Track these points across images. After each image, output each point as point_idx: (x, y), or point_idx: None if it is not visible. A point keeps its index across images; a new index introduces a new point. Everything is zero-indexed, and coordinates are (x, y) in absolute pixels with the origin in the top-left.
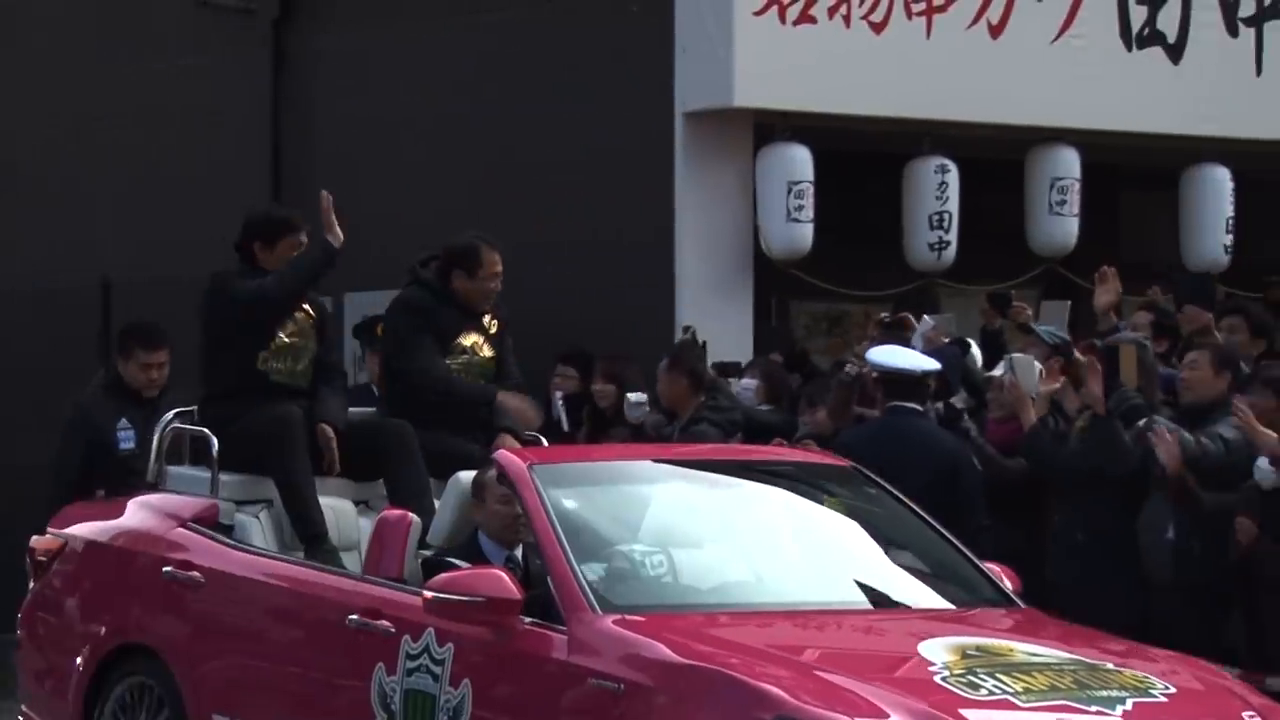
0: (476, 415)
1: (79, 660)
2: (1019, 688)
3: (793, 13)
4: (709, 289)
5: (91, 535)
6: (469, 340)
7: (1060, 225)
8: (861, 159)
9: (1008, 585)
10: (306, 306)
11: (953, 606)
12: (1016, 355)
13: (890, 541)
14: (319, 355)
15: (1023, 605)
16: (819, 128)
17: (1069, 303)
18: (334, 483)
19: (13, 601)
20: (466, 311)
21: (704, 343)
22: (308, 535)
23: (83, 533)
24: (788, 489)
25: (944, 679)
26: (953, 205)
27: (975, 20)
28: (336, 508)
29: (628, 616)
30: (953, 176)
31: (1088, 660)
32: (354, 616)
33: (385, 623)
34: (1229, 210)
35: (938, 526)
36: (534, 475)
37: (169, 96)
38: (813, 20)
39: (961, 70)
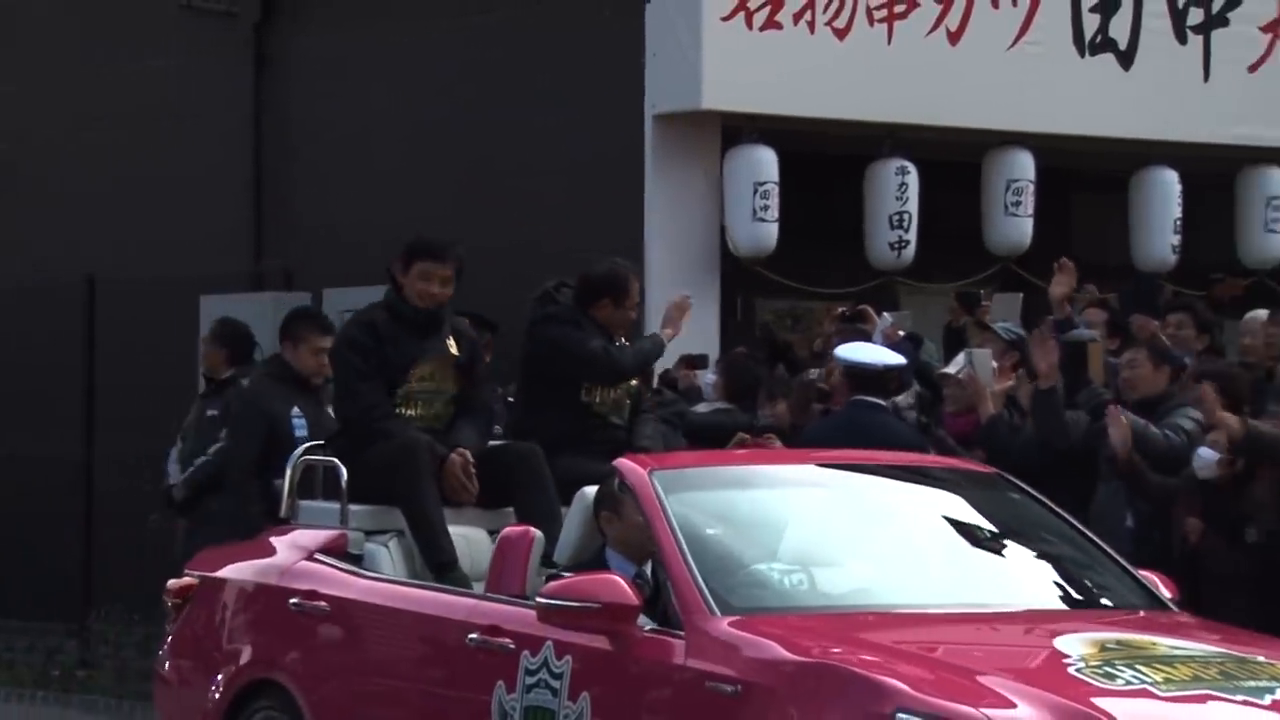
0: (612, 435)
1: (212, 699)
2: (1159, 678)
3: (759, 19)
4: (677, 286)
5: (222, 573)
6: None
7: (1015, 225)
8: (825, 160)
9: (1164, 592)
10: (451, 343)
11: (1099, 609)
12: (974, 349)
13: (1035, 546)
14: (461, 394)
15: (1176, 610)
16: (784, 130)
17: (1021, 295)
18: (466, 511)
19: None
20: (605, 338)
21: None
22: (437, 563)
23: (214, 572)
24: (926, 492)
25: (1078, 670)
26: (912, 206)
27: (934, 27)
28: (468, 536)
29: (746, 618)
30: (912, 178)
31: (1236, 653)
32: (474, 635)
33: (505, 640)
34: (1177, 211)
35: (1087, 532)
36: (654, 480)
37: (152, 98)
38: (779, 26)
39: (921, 75)
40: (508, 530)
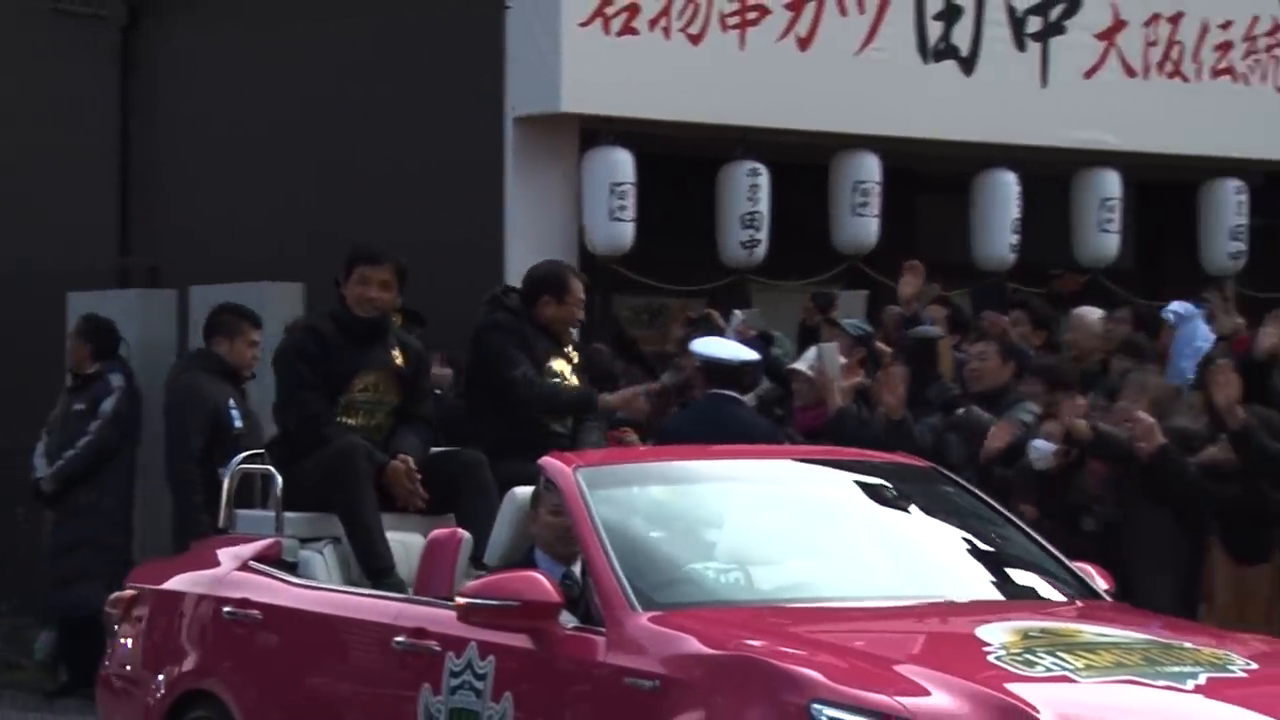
0: (555, 442)
1: (150, 709)
2: (1080, 664)
3: (616, 24)
4: None
5: (160, 584)
6: (558, 366)
7: (862, 225)
8: (680, 162)
9: (1100, 583)
10: (396, 354)
11: (1030, 599)
12: (823, 344)
13: (968, 539)
14: (403, 407)
15: (1110, 600)
16: (640, 132)
17: (866, 293)
18: (406, 518)
19: None
20: (552, 339)
21: None
22: (374, 569)
23: (153, 583)
24: (858, 486)
25: (997, 658)
26: (764, 206)
27: (785, 34)
28: (406, 542)
29: (667, 614)
30: (764, 179)
31: (1163, 640)
32: (400, 638)
33: (431, 642)
34: (1016, 212)
35: (1023, 525)
36: (578, 477)
37: (20, 99)
38: (635, 32)
39: (772, 81)
40: (436, 532)
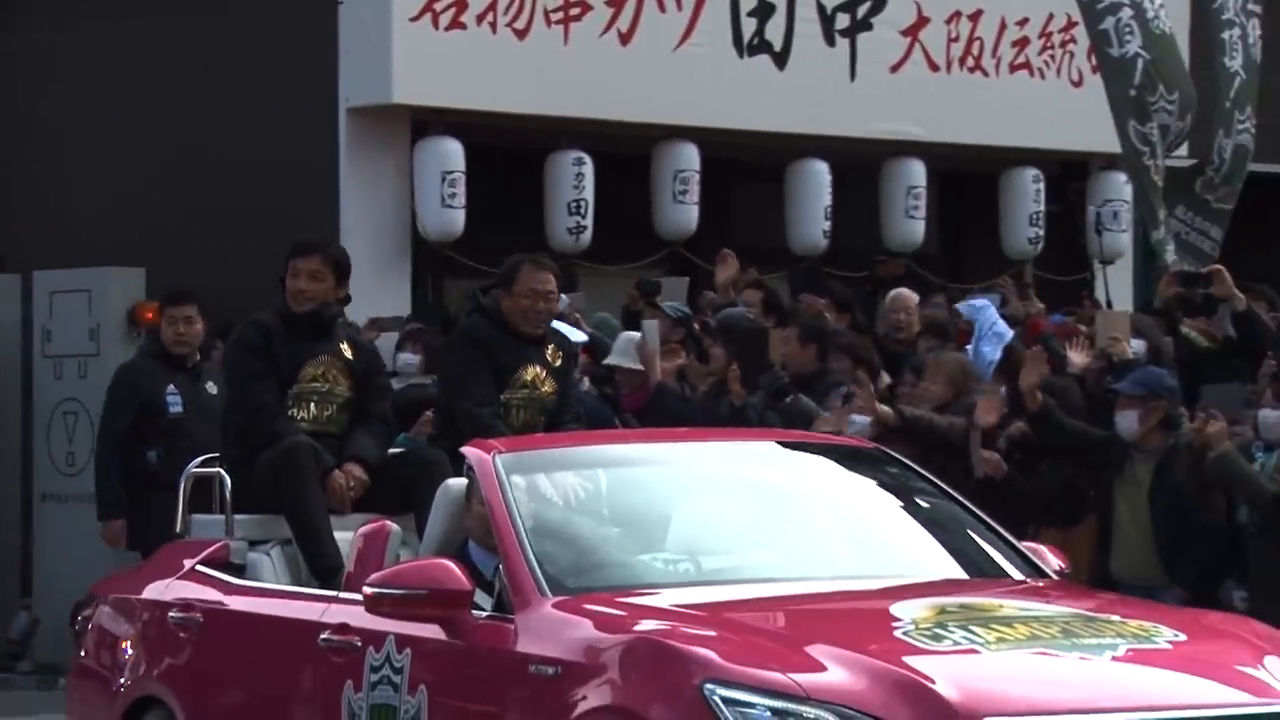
0: None
1: (107, 716)
2: (991, 638)
3: (445, 19)
4: (371, 269)
5: (115, 592)
6: (529, 374)
7: (682, 212)
8: (508, 151)
9: (1053, 562)
10: (345, 347)
11: (965, 578)
12: (646, 320)
13: (911, 519)
14: (358, 401)
15: (1057, 579)
16: (470, 123)
17: (688, 279)
18: (361, 517)
19: None
20: (526, 340)
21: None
22: (320, 569)
23: (110, 590)
24: (795, 466)
25: (904, 633)
26: (588, 194)
27: (607, 29)
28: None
29: (574, 599)
30: (588, 168)
31: (1090, 614)
32: (325, 635)
33: (354, 637)
34: (827, 199)
35: (969, 506)
36: (496, 462)
37: None
38: (463, 26)
39: (595, 73)
40: (365, 526)
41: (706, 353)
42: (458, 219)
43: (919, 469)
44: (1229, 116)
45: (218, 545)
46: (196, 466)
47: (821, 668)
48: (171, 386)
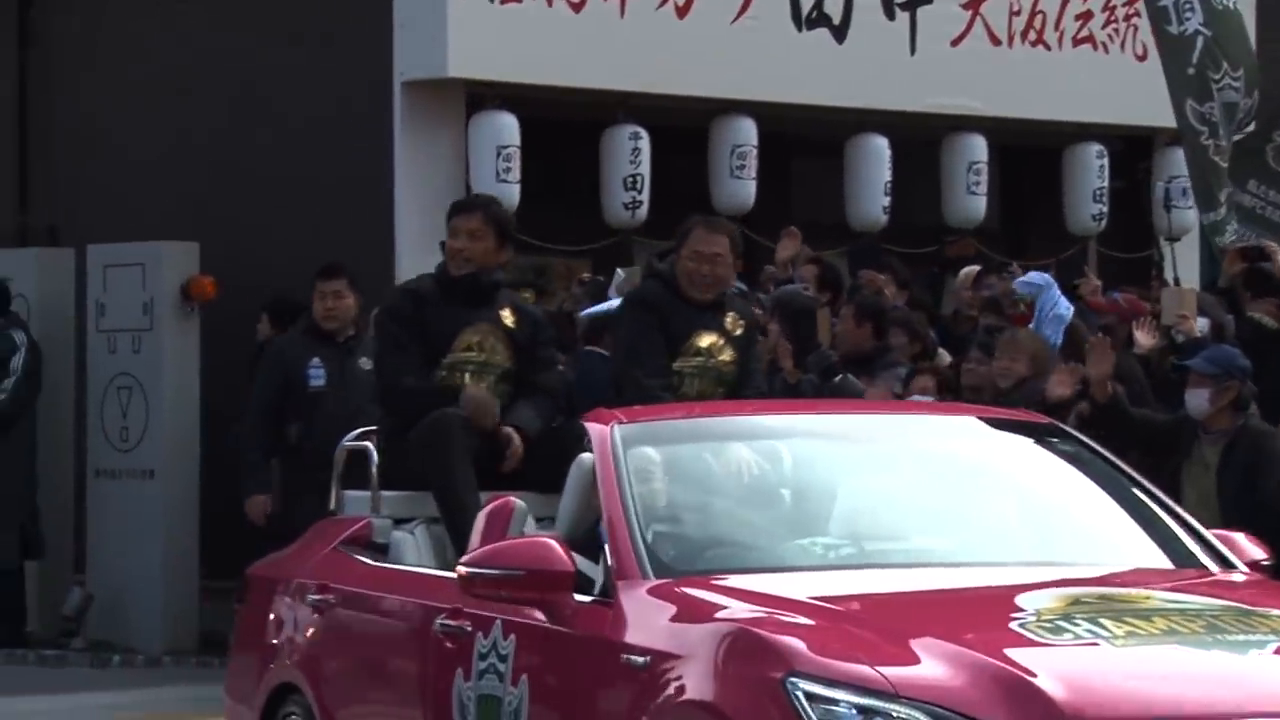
0: None
1: (254, 700)
2: (1120, 632)
3: None
4: (426, 246)
5: (266, 572)
6: (705, 341)
7: (740, 188)
8: (563, 126)
9: (1252, 553)
10: (507, 314)
11: (1137, 567)
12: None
13: (1083, 502)
14: (521, 372)
15: (1246, 572)
16: (525, 97)
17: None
18: (515, 496)
19: None
20: (700, 306)
21: None
22: (466, 550)
23: (263, 572)
24: (951, 442)
25: (1021, 624)
26: (644, 169)
27: (664, 1)
28: None
29: (674, 582)
30: (644, 143)
31: (1249, 607)
32: (441, 620)
33: (465, 622)
34: (887, 175)
35: (1155, 491)
36: (614, 434)
37: None
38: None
39: (652, 47)
40: (489, 502)
41: (764, 329)
42: (513, 194)
43: (1103, 450)
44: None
45: (360, 524)
46: (352, 440)
47: (916, 660)
48: (316, 360)
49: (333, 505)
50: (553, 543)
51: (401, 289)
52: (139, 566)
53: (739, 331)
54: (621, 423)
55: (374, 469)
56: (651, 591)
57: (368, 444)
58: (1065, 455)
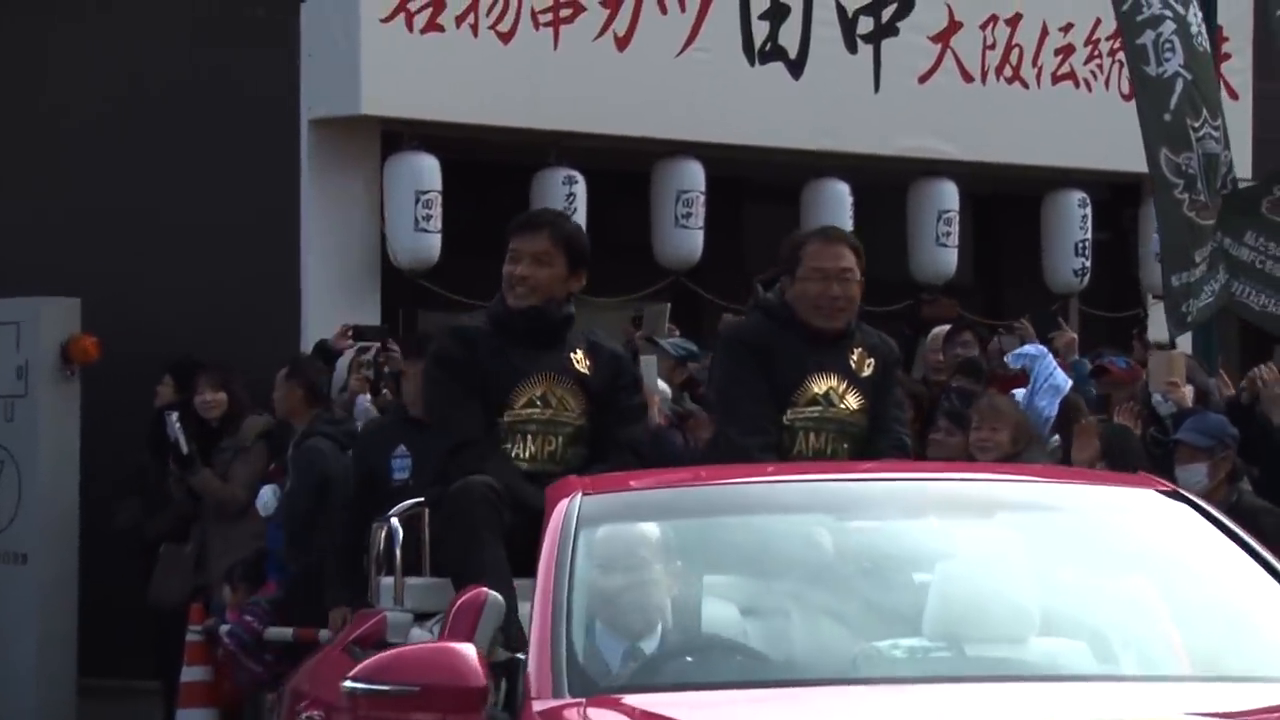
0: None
1: None
2: None
3: (420, 20)
4: (336, 298)
5: (298, 677)
6: (822, 385)
7: (686, 238)
8: (490, 169)
9: None
10: (578, 357)
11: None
12: (643, 357)
13: (1241, 591)
14: (598, 429)
15: None
16: (447, 137)
17: (668, 305)
18: None
19: None
20: (819, 341)
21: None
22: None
23: (291, 679)
24: (994, 520)
25: None
26: (580, 217)
27: (601, 32)
28: None
29: (590, 703)
30: (580, 188)
31: None
32: None
33: None
34: (849, 225)
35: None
36: (572, 507)
37: None
38: (440, 29)
39: (588, 82)
40: (461, 594)
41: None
42: (433, 244)
43: (1227, 521)
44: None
45: (375, 620)
46: (398, 514)
47: None
48: (402, 448)
49: (369, 595)
50: (462, 650)
51: (451, 329)
52: (10, 663)
53: (868, 371)
54: (588, 494)
55: (397, 549)
56: (552, 714)
57: (393, 520)
58: (1200, 529)
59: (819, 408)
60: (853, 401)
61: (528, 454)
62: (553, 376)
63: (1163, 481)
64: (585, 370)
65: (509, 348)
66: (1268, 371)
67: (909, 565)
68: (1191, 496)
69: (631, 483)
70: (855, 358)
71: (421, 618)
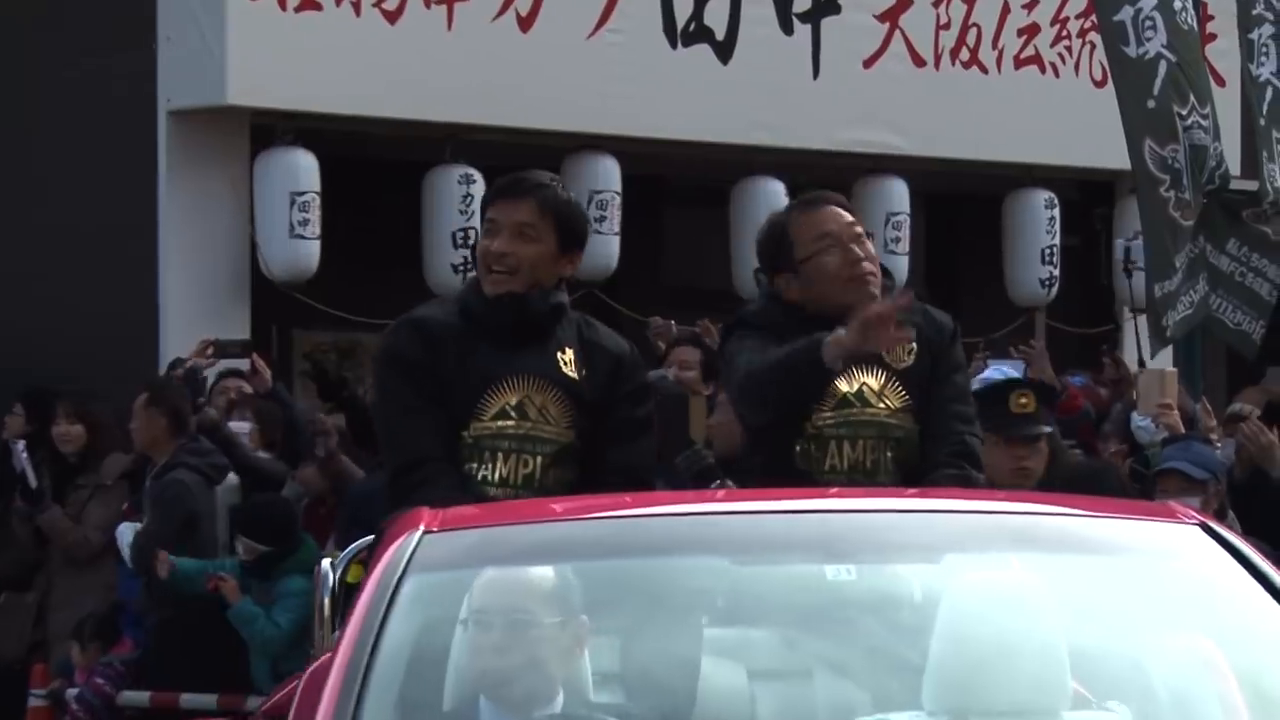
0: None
1: None
2: None
3: None
4: (198, 313)
5: None
6: (853, 382)
7: (600, 244)
8: (376, 167)
9: None
10: (566, 357)
11: None
12: None
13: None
14: (587, 446)
15: None
16: (327, 130)
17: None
18: None
19: None
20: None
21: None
22: None
23: None
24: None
25: None
26: (479, 221)
27: (502, 11)
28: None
29: None
30: (478, 189)
31: None
32: None
33: None
34: None
35: None
36: (407, 547)
37: None
38: (318, 7)
39: (487, 69)
40: (318, 663)
41: None
42: (311, 252)
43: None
44: (1267, 136)
45: (288, 687)
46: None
47: None
48: None
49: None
50: None
51: (407, 320)
52: None
53: (909, 359)
54: (435, 530)
55: (326, 597)
56: None
57: (323, 562)
58: (1239, 569)
59: (851, 409)
60: (894, 399)
61: (497, 476)
62: (532, 381)
63: (1193, 511)
64: (574, 374)
65: (479, 345)
66: (1249, 427)
67: (900, 617)
68: (1219, 529)
69: (491, 518)
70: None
71: None
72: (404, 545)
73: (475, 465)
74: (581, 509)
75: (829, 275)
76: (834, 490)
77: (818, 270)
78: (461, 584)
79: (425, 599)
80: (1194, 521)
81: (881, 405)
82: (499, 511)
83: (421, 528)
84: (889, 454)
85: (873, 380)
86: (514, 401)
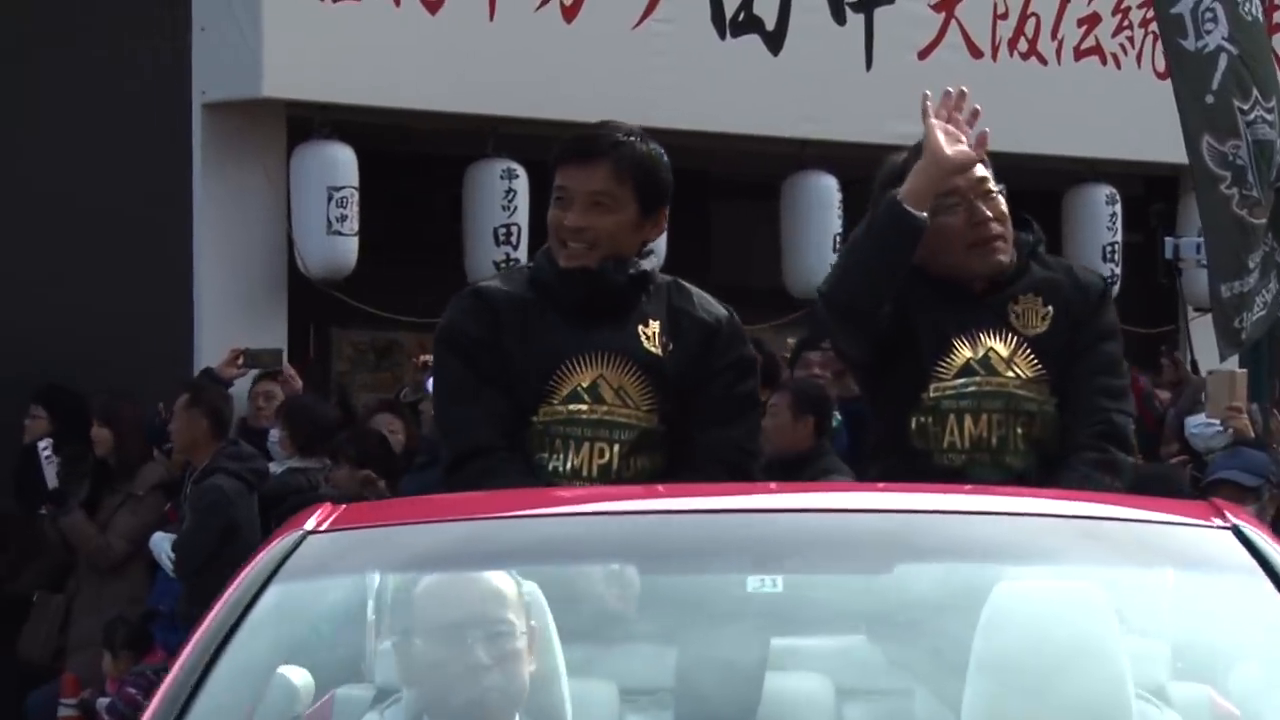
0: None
1: None
2: None
3: None
4: (234, 311)
5: None
6: (978, 348)
7: None
8: (416, 162)
9: None
10: (649, 331)
11: None
12: None
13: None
14: (674, 429)
15: None
16: (365, 124)
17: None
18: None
19: None
20: (959, 295)
21: None
22: None
23: None
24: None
25: None
26: (522, 217)
27: (545, 1)
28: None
29: None
30: (521, 183)
31: None
32: None
33: None
34: (837, 225)
35: None
36: (281, 551)
37: None
38: None
39: (530, 60)
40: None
41: None
42: (349, 249)
43: None
44: None
45: (322, 703)
46: None
47: None
48: None
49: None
50: None
51: (470, 293)
52: None
53: (1042, 325)
54: (318, 532)
55: (368, 608)
56: None
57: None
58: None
59: (975, 378)
60: (1025, 368)
61: (569, 467)
62: (608, 359)
63: (1234, 508)
64: (657, 349)
65: (549, 318)
66: None
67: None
68: (1250, 533)
69: (394, 515)
70: (1020, 308)
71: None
72: (278, 548)
73: (545, 455)
74: (507, 505)
75: (951, 236)
76: (772, 486)
77: (938, 230)
78: (333, 592)
79: (287, 612)
80: (1225, 526)
81: (1010, 374)
82: (402, 509)
83: (308, 526)
84: (1019, 430)
85: (1000, 346)
86: (587, 383)
